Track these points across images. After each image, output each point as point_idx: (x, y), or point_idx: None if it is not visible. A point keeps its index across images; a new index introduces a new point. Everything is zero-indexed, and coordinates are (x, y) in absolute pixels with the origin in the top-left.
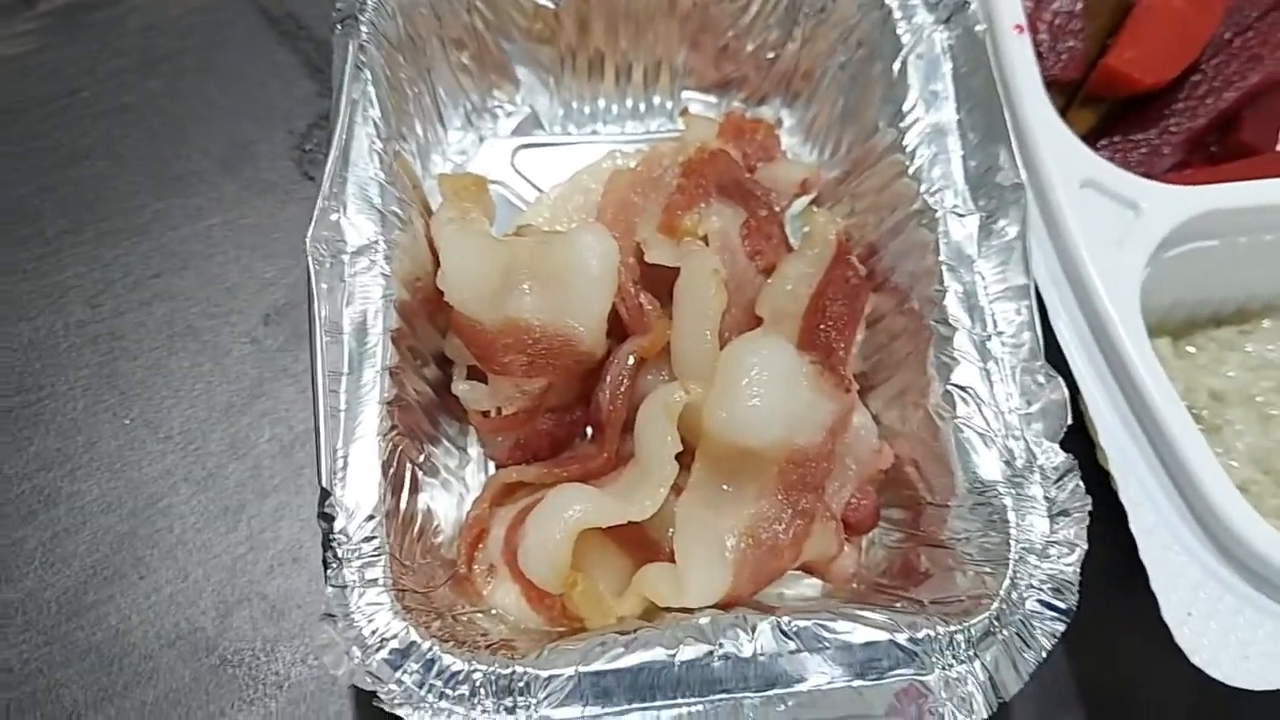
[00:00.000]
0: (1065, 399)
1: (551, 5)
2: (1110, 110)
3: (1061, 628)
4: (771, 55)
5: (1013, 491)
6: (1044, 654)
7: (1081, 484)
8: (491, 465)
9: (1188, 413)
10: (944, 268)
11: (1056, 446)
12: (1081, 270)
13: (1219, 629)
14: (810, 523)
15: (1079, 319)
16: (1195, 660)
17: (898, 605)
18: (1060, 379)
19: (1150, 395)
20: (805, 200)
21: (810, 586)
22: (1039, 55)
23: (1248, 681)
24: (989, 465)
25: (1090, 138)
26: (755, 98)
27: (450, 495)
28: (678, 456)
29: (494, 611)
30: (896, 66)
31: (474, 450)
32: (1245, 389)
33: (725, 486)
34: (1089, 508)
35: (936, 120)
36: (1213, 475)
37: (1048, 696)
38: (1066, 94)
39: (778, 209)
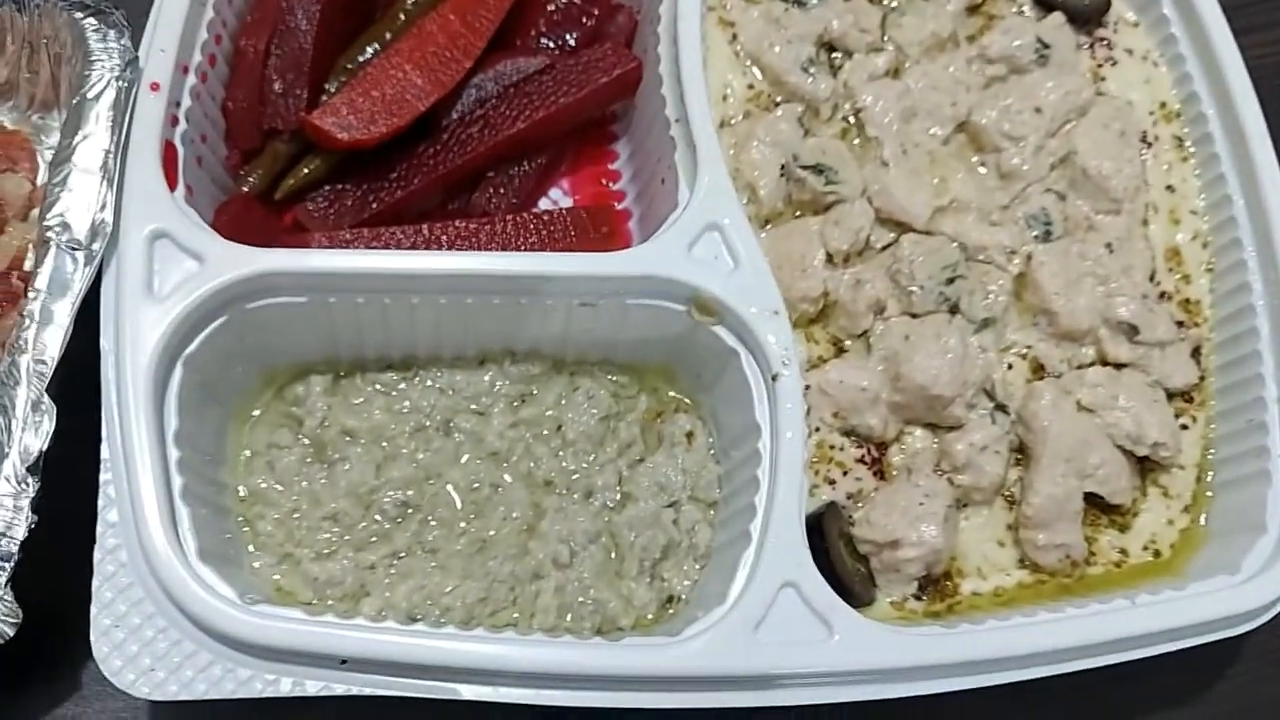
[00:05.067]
0: (49, 426)
1: None
2: (342, 161)
3: None
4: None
5: None
6: None
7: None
8: None
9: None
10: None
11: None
12: (122, 310)
13: (137, 642)
14: None
15: (110, 351)
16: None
17: None
18: (53, 407)
19: (128, 423)
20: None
21: None
22: (271, 101)
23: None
24: None
25: (322, 182)
26: (36, 106)
27: None
28: None
29: None
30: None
31: None
32: (380, 430)
33: None
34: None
35: (87, 161)
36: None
37: None
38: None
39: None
